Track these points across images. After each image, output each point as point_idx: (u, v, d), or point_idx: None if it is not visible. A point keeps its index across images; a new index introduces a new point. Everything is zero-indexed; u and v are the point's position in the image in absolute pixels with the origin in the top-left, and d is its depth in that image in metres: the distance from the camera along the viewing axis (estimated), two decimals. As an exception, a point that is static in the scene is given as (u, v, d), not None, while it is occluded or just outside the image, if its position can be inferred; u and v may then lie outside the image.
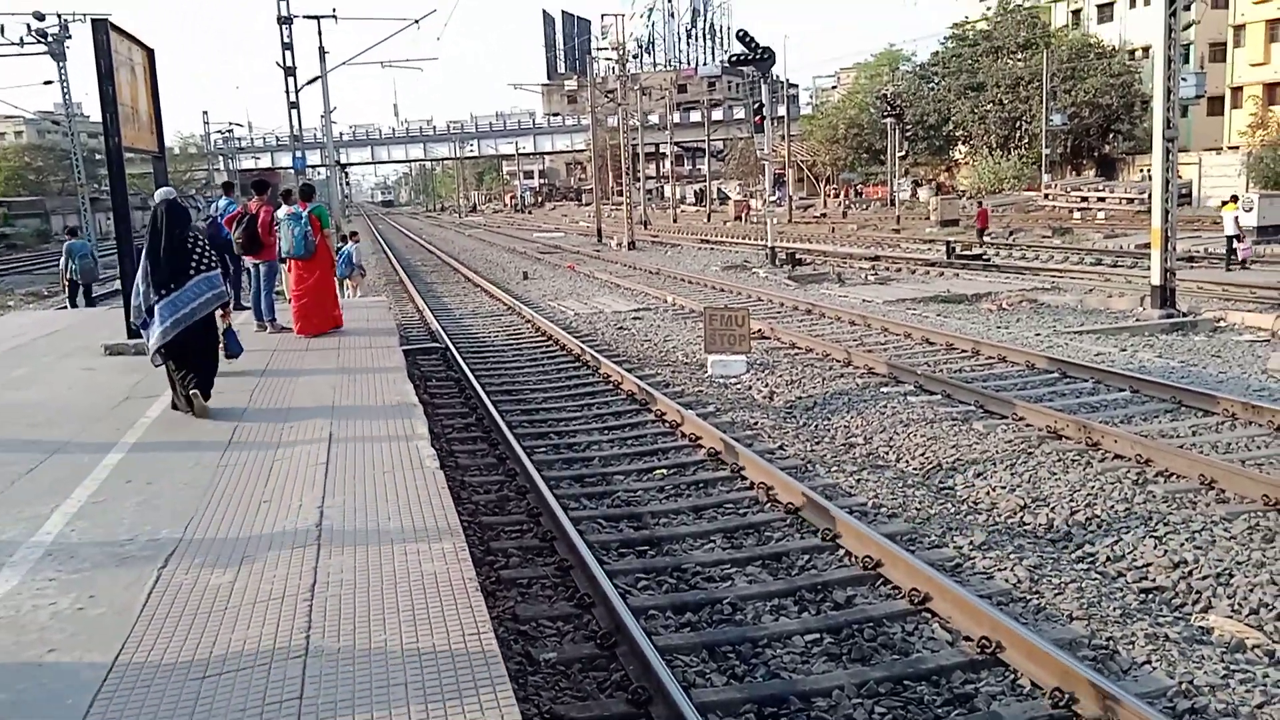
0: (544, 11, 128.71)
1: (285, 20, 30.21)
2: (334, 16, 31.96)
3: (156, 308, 7.49)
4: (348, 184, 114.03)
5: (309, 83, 31.73)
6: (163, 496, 5.69)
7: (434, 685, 3.37)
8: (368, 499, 5.49)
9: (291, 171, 34.17)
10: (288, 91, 30.51)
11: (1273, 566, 5.95)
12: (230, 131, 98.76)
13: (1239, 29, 54.19)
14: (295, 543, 4.85)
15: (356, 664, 3.55)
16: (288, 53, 30.21)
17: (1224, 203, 24.34)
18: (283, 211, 11.69)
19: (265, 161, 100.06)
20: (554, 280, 26.98)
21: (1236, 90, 54.46)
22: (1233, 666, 4.87)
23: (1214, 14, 57.23)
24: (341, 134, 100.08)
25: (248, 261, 12.43)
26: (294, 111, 30.70)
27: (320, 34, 33.10)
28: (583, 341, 15.04)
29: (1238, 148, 49.93)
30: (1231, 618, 5.49)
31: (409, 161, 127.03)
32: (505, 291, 23.28)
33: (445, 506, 5.30)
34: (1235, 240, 22.70)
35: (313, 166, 70.73)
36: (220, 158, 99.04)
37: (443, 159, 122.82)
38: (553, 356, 14.56)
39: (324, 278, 12.11)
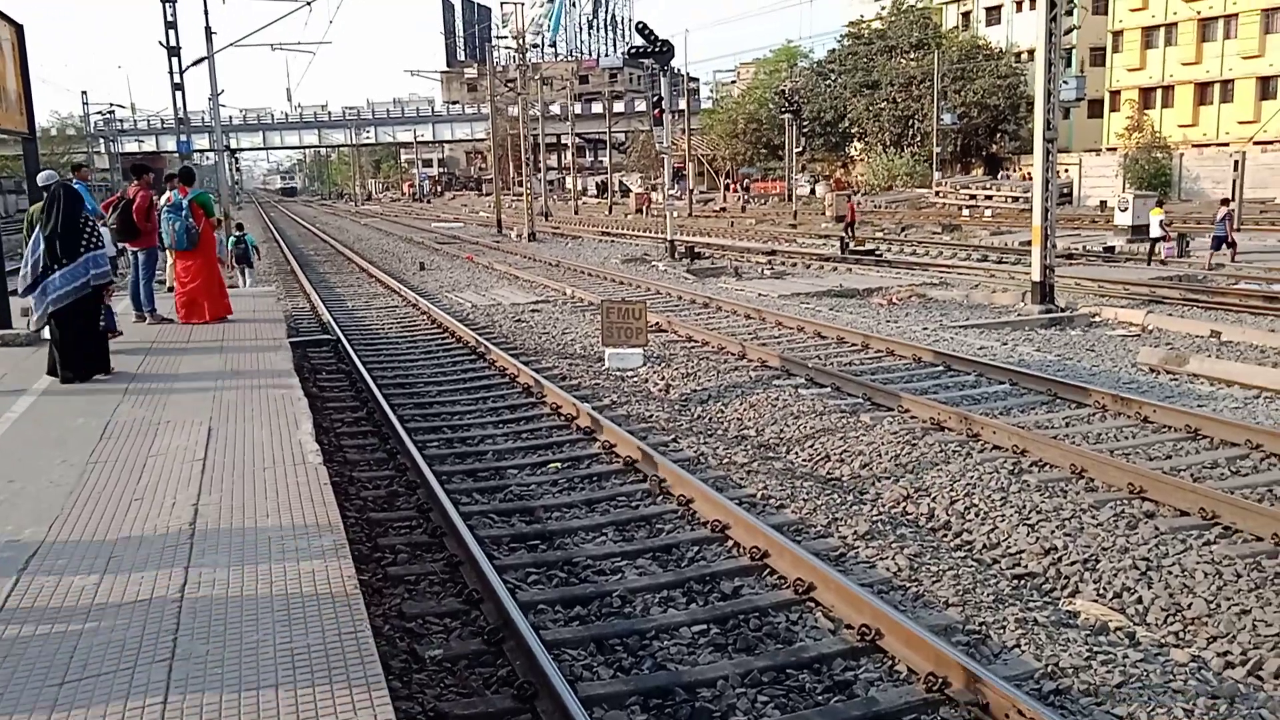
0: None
1: (169, -2, 29.06)
2: (222, -4, 30.89)
3: (47, 281, 8.23)
4: (238, 170, 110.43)
5: (194, 64, 30.61)
6: (25, 496, 5.43)
7: (305, 685, 3.29)
8: (246, 496, 5.33)
9: (177, 156, 32.91)
10: (171, 72, 29.39)
11: (1136, 552, 6.24)
12: (111, 113, 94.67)
13: (1117, 35, 56.67)
14: (167, 542, 4.68)
15: (226, 666, 3.44)
16: (171, 32, 29.08)
17: (1157, 204, 25.99)
18: (164, 200, 11.27)
19: (150, 145, 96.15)
20: (451, 271, 26.65)
21: (1115, 94, 56.98)
22: (1096, 648, 5.09)
23: (1094, 19, 59.71)
24: (231, 118, 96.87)
25: (127, 249, 11.95)
26: (178, 93, 29.59)
27: (207, 13, 32.07)
28: (479, 334, 14.90)
29: (1115, 149, 52.25)
30: (1096, 602, 5.75)
31: (303, 148, 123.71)
32: (401, 282, 22.89)
33: (327, 502, 5.18)
34: (1160, 241, 24.15)
35: (200, 151, 68.38)
36: (100, 140, 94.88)
37: (338, 146, 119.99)
38: (448, 349, 14.38)
39: (209, 266, 11.73)
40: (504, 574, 6.01)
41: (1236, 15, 50.51)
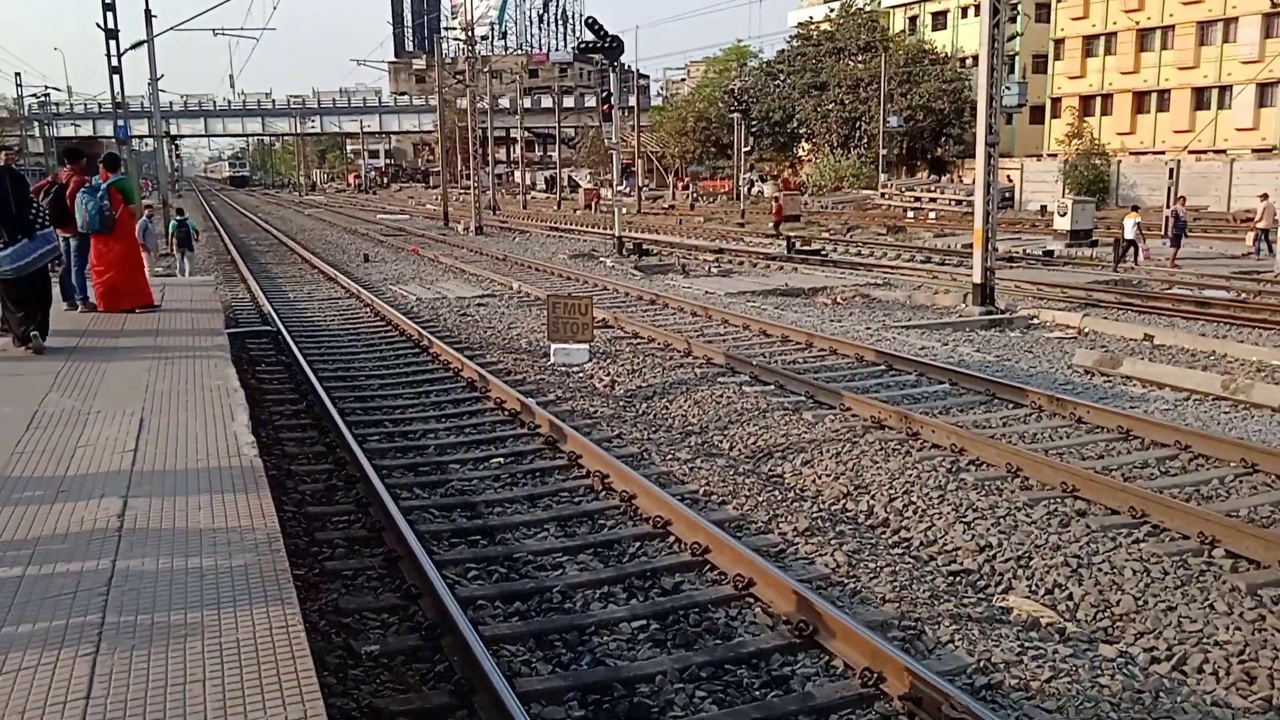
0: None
1: (108, -22, 28.34)
2: (163, -22, 30.15)
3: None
4: (178, 157, 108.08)
5: (133, 47, 29.92)
6: (-54, 487, 5.26)
7: (234, 682, 3.23)
8: (177, 489, 5.22)
9: (114, 141, 32.12)
10: (109, 55, 28.68)
11: (1067, 550, 6.37)
12: (47, 96, 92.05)
13: (1059, 43, 57.87)
14: (94, 536, 4.56)
15: (152, 663, 3.36)
16: (110, 14, 28.37)
17: (1133, 208, 26.89)
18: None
19: (86, 130, 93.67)
20: (397, 264, 26.37)
21: (1056, 101, 58.17)
22: (1027, 644, 5.18)
23: (1037, 27, 60.87)
24: (171, 104, 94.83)
25: (59, 235, 11.61)
26: (115, 77, 28.88)
27: (147, -5, 31.19)
28: (423, 327, 14.75)
29: (1056, 155, 53.31)
30: (1029, 598, 5.85)
31: (246, 136, 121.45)
32: (344, 274, 22.59)
33: (262, 496, 5.09)
34: (1133, 245, 24.87)
35: (139, 137, 66.80)
36: (35, 124, 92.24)
37: (282, 135, 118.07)
38: (391, 342, 14.22)
39: (129, 253, 11.45)
40: (443, 569, 5.96)
41: (1174, 27, 51.83)
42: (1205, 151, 47.49)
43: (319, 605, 5.58)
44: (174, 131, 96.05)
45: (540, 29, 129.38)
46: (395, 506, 6.78)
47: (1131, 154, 51.85)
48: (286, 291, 20.45)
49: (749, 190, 56.45)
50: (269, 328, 14.95)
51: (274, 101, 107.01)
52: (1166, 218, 24.45)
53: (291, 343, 13.23)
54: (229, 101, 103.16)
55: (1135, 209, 26.88)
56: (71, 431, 6.36)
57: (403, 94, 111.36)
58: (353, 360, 12.92)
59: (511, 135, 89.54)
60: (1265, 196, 25.10)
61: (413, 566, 5.91)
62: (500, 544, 6.65)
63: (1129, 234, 25.05)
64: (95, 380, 7.93)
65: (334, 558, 6.33)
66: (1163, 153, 48.99)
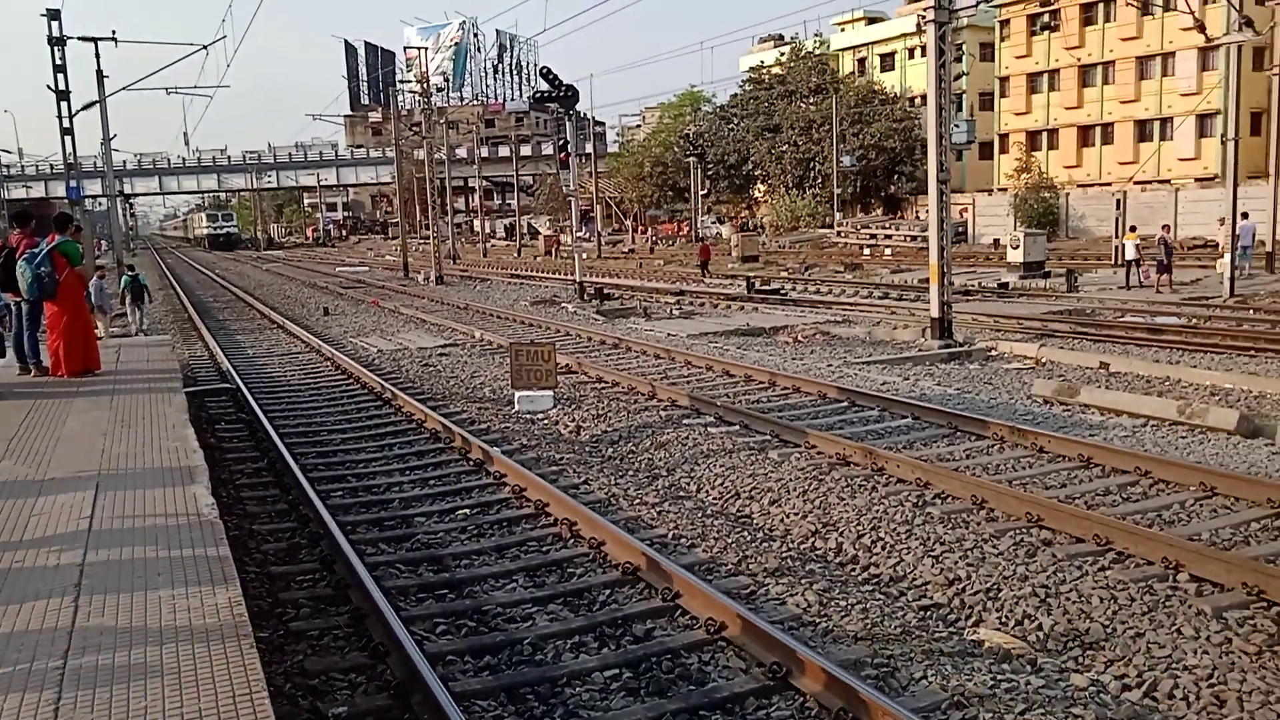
0: (345, 42, 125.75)
1: (58, 41, 28.23)
2: (114, 39, 30.16)
3: None
4: (132, 215, 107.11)
5: (85, 107, 29.76)
6: (-106, 562, 5.11)
7: (198, 754, 3.15)
8: (135, 553, 5.11)
9: (67, 202, 31.80)
10: (61, 117, 28.49)
11: (1035, 580, 6.40)
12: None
13: (1004, 80, 59.27)
14: (50, 605, 4.45)
15: (111, 737, 3.27)
16: (60, 75, 28.22)
17: (1130, 229, 28.58)
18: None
19: (38, 191, 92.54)
20: (357, 316, 26.22)
21: (1004, 137, 59.45)
22: (1000, 676, 5.19)
23: (983, 66, 62.30)
24: (125, 162, 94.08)
25: (9, 299, 11.44)
26: (67, 138, 28.67)
27: (98, 57, 31.14)
28: (385, 379, 14.65)
29: (1006, 189, 54.39)
30: (999, 630, 5.87)
31: (201, 193, 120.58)
32: (304, 328, 22.42)
33: (223, 558, 4.99)
34: (1135, 265, 26.41)
35: (92, 196, 66.23)
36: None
37: (238, 190, 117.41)
38: (353, 396, 14.10)
39: (74, 317, 11.26)
40: (411, 625, 5.87)
41: (1114, 62, 53.31)
42: (1150, 182, 48.65)
43: (284, 667, 5.47)
44: (128, 190, 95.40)
45: (495, 79, 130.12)
46: (360, 563, 6.68)
47: (1079, 186, 53.02)
48: (245, 348, 20.24)
49: (714, 232, 57.01)
50: (228, 385, 14.76)
51: (229, 158, 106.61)
52: (1160, 241, 25.55)
53: (251, 399, 13.08)
54: (183, 159, 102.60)
55: (1134, 229, 28.59)
56: (24, 501, 6.22)
57: (359, 147, 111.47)
58: (314, 415, 12.79)
59: (470, 184, 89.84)
60: (1222, 221, 25.78)
61: (379, 623, 5.82)
62: (469, 597, 6.56)
63: (1129, 254, 26.58)
64: (49, 445, 7.78)
65: (299, 618, 6.21)
66: (1109, 184, 50.15)
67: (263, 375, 16.32)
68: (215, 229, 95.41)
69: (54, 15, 28.21)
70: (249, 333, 23.33)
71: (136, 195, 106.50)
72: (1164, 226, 26.66)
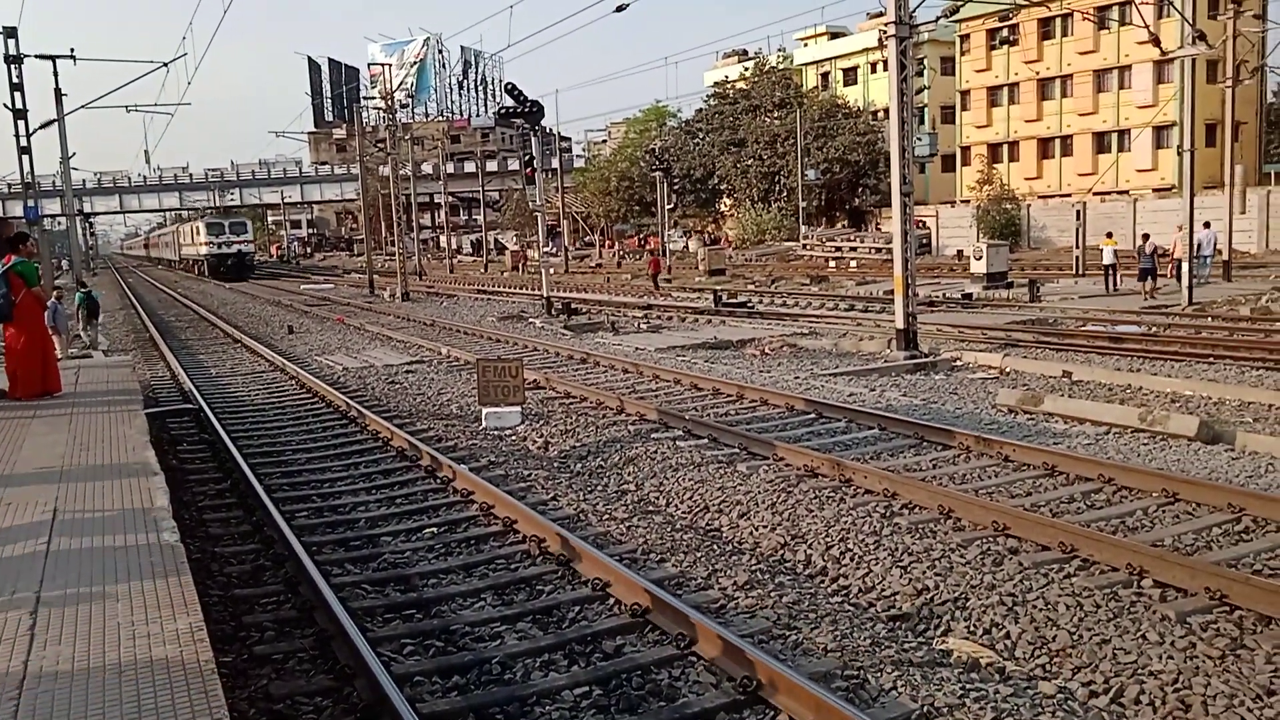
0: (309, 59, 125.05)
1: (15, 59, 27.87)
2: (72, 57, 29.82)
3: None
4: (92, 234, 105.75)
5: (43, 126, 29.36)
6: None
7: (157, 785, 3.08)
8: (94, 580, 5.01)
9: (24, 222, 31.33)
10: (18, 136, 28.10)
11: (1002, 588, 6.44)
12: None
13: (965, 94, 60.06)
14: (4, 635, 4.34)
15: (67, 769, 3.19)
16: (17, 94, 27.84)
17: (1107, 235, 30.20)
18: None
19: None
20: (322, 334, 26.00)
21: (965, 149, 60.22)
22: (969, 686, 5.20)
23: (943, 80, 63.19)
24: (84, 181, 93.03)
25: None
26: (25, 157, 28.28)
27: (56, 75, 30.78)
28: (351, 397, 14.52)
29: (969, 201, 55.03)
30: (968, 639, 5.89)
31: (162, 211, 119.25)
32: (268, 347, 22.19)
33: (184, 583, 4.91)
34: (1112, 270, 27.79)
35: (50, 216, 65.35)
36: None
37: (201, 208, 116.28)
38: (318, 414, 13.96)
39: (32, 338, 11.05)
40: (378, 646, 5.80)
41: (1072, 76, 54.19)
42: (1109, 192, 49.45)
43: (248, 693, 5.38)
44: (87, 209, 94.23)
45: (461, 95, 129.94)
46: (326, 584, 6.59)
47: (1040, 197, 53.75)
48: (208, 367, 20.00)
49: (684, 246, 57.15)
50: (190, 405, 14.56)
51: (191, 175, 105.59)
52: (1148, 251, 26.25)
53: (214, 420, 12.91)
54: (144, 177, 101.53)
55: (1110, 235, 30.09)
56: (-20, 525, 6.09)
57: (324, 163, 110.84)
58: (279, 435, 12.64)
59: (436, 200, 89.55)
60: (1180, 228, 26.21)
61: (346, 646, 5.74)
62: (436, 616, 6.49)
63: (1107, 259, 27.89)
64: (3, 468, 7.62)
65: (263, 641, 6.12)
66: (1069, 195, 50.88)
67: (226, 395, 16.12)
68: (219, 246, 63.80)
69: (10, 33, 27.88)
70: (212, 352, 23.05)
71: (96, 214, 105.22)
72: (1144, 236, 27.14)
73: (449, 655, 5.87)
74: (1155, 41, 25.35)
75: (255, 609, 6.66)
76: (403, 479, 10.02)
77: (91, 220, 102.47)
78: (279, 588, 7.01)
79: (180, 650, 4.09)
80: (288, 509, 8.90)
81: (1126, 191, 50.06)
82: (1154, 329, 19.90)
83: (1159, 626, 5.79)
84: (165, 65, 29.32)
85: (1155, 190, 48.75)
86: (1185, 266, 24.03)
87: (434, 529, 8.34)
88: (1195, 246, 24.96)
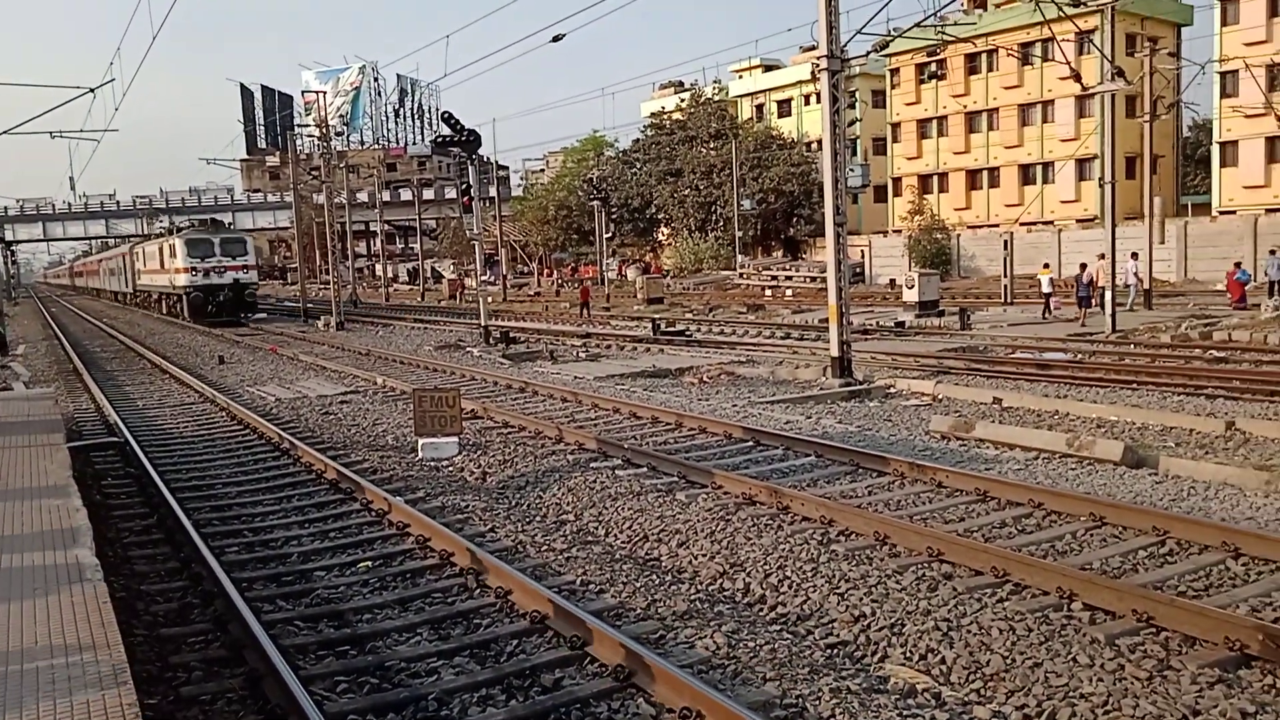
0: (241, 85, 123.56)
1: (-67, 82, 27.03)
2: (-6, 80, 29.00)
3: None
4: (14, 263, 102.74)
5: (-38, 151, 28.48)
6: None
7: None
8: (10, 622, 4.83)
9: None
10: (-65, 160, 27.22)
11: (937, 613, 6.52)
12: None
13: (895, 126, 61.33)
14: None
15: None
16: (-65, 118, 27.01)
17: (1044, 265, 32.56)
18: None
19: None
20: (254, 364, 25.50)
21: (897, 180, 61.42)
22: (906, 712, 5.25)
23: (875, 112, 64.48)
24: (6, 208, 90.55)
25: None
26: (-57, 183, 27.38)
27: (-23, 99, 29.91)
28: (283, 429, 14.25)
29: (900, 231, 56.11)
30: (905, 665, 5.94)
31: (89, 239, 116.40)
32: (198, 378, 21.69)
33: (107, 623, 4.76)
34: (1049, 298, 29.27)
35: (-31, 243, 63.35)
36: None
37: (128, 237, 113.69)
38: (249, 447, 13.67)
39: None
40: (310, 685, 5.67)
41: (998, 110, 55.68)
42: (1035, 223, 50.82)
43: (174, 736, 5.21)
44: (9, 236, 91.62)
45: (397, 123, 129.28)
46: (256, 621, 6.43)
47: (969, 227, 55.01)
48: (135, 399, 19.48)
49: (620, 274, 57.26)
50: (115, 439, 14.16)
51: (119, 203, 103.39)
52: (1085, 280, 27.28)
53: (140, 453, 12.56)
54: (69, 204, 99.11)
55: (1046, 266, 32.09)
56: (-111, 566, 5.84)
57: (257, 191, 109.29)
58: (208, 468, 12.35)
59: (371, 229, 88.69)
60: (1102, 256, 26.93)
61: (277, 685, 5.60)
62: (371, 653, 6.37)
63: (1045, 288, 29.53)
64: (-83, 508, 7.34)
65: (190, 682, 5.94)
66: (997, 225, 52.10)
67: (153, 427, 15.71)
68: (206, 274, 41.29)
69: (-72, 56, 27.07)
70: (139, 384, 22.46)
71: (19, 242, 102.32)
72: (1081, 266, 28.08)
73: (384, 692, 5.76)
74: (1076, 77, 26.16)
75: (183, 648, 6.48)
76: (336, 512, 9.84)
77: (13, 248, 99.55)
78: (207, 626, 6.83)
79: (102, 694, 3.95)
80: (217, 544, 8.68)
81: (1051, 222, 51.49)
82: (1080, 356, 20.42)
83: (1089, 649, 5.90)
84: (92, 91, 28.64)
85: (1079, 221, 50.19)
86: (1108, 295, 24.72)
87: (369, 563, 8.20)
88: (1120, 275, 25.93)
